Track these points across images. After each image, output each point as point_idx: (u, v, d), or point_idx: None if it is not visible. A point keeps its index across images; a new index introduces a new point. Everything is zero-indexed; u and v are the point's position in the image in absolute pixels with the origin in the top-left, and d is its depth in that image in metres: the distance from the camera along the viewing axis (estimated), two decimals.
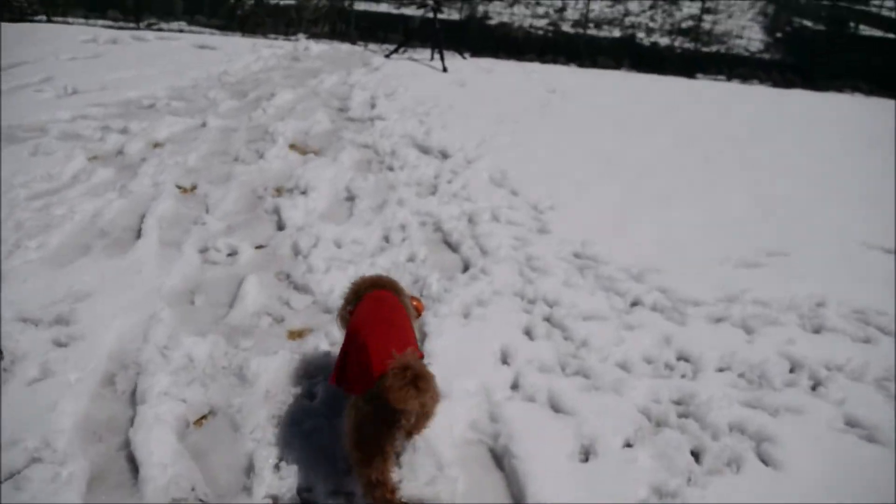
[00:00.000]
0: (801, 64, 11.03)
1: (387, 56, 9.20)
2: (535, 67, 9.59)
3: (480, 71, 8.94)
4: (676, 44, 12.15)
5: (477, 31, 11.98)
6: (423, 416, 2.20)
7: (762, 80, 10.60)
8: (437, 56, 9.02)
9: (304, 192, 4.63)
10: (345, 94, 7.35)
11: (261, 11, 12.23)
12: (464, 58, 9.53)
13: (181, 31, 10.17)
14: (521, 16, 12.45)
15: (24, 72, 7.13)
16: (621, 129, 6.82)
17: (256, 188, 4.72)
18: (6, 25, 9.74)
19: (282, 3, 13.49)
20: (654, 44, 12.17)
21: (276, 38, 10.17)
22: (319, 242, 3.92)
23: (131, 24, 10.30)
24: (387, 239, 4.11)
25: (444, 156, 5.62)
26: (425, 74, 8.43)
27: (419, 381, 1.92)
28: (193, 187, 4.68)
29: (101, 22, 10.39)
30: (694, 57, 11.44)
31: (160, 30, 10.17)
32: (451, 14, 13.26)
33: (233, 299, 3.36)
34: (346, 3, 13.40)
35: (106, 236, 3.91)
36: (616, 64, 10.74)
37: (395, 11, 13.54)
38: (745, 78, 10.69)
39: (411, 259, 3.90)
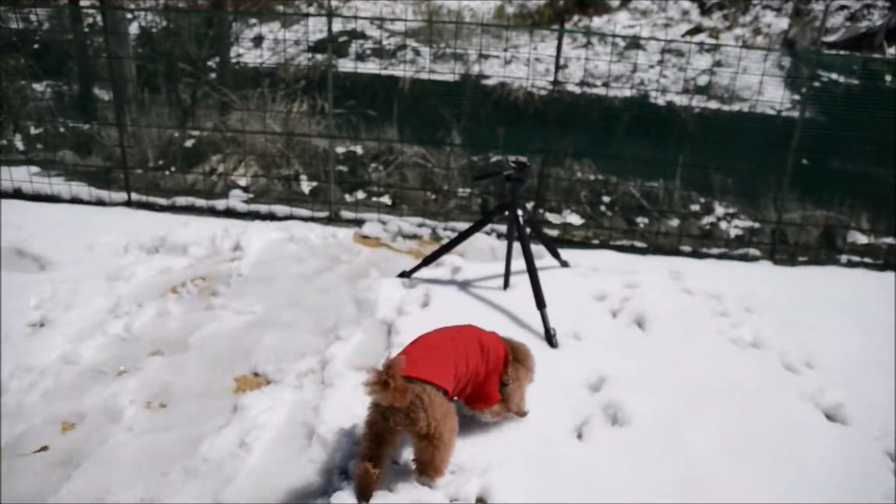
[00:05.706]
0: (831, 123, 8.73)
1: (405, 275, 4.32)
2: (711, 281, 4.50)
3: (621, 325, 3.56)
4: (694, 103, 10.96)
5: (472, 92, 11.25)
6: (408, 421, 2.30)
7: None
8: (509, 270, 4.08)
9: None
10: None
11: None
12: (562, 263, 4.63)
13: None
14: (519, 76, 11.33)
15: None
16: None
17: None
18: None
19: (261, 66, 9.71)
20: (670, 102, 11.14)
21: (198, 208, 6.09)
22: None
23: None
24: None
25: None
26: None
27: (389, 381, 2.18)
28: None
29: (182, 200, 7.87)
30: (716, 116, 10.00)
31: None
32: (443, 74, 11.79)
33: None
34: (324, 67, 10.02)
35: None
36: (830, 250, 5.98)
37: (383, 72, 11.22)
38: None
39: None
